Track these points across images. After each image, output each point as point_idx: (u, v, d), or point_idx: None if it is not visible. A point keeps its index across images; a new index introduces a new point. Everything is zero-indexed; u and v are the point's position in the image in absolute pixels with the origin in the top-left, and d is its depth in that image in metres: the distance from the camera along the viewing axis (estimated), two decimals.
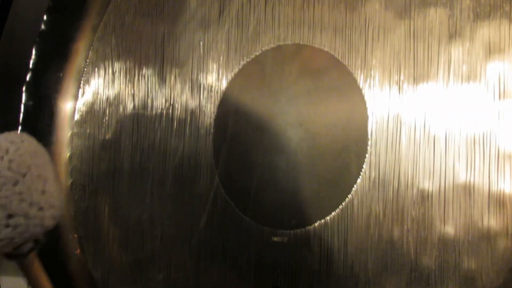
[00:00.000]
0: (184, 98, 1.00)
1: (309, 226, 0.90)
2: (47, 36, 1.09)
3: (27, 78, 1.09)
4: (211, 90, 0.98)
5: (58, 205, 0.68)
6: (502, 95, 0.80)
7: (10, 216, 0.64)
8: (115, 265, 1.03)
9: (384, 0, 0.87)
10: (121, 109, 1.05)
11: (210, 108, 0.98)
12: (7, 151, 0.65)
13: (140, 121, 1.03)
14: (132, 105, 1.04)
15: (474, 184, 0.81)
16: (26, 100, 1.09)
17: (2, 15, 1.22)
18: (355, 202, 0.87)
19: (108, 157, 1.05)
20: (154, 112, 1.02)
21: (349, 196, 0.88)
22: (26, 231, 0.65)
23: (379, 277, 0.85)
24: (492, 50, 0.82)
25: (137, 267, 1.01)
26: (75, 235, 1.07)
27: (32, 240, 0.66)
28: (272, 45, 0.95)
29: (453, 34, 0.84)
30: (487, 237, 0.80)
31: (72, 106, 1.09)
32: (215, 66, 0.98)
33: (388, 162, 0.86)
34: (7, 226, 0.63)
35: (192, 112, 0.99)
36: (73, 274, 1.06)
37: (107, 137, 1.05)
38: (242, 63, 0.97)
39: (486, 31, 0.82)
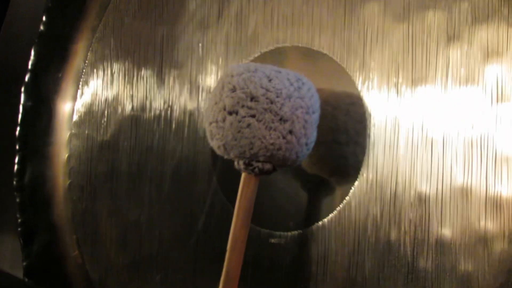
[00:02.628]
0: (182, 99, 1.00)
1: (306, 228, 0.90)
2: (46, 37, 1.10)
3: (26, 79, 1.09)
4: (210, 92, 0.98)
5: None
6: (500, 98, 0.81)
7: (291, 132, 0.77)
8: (113, 267, 1.03)
9: (383, 3, 0.87)
10: (119, 110, 1.05)
11: None
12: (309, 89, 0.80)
13: (139, 122, 1.03)
14: (130, 106, 1.04)
15: (471, 187, 0.81)
16: (25, 101, 1.09)
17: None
18: (353, 204, 0.87)
19: (106, 158, 1.05)
20: (152, 113, 1.02)
21: (347, 198, 0.88)
22: (290, 152, 0.77)
23: (376, 279, 0.85)
24: (490, 53, 0.82)
25: (135, 269, 1.01)
26: (73, 236, 1.07)
27: (274, 163, 0.79)
28: (270, 47, 0.95)
29: (451, 37, 0.84)
30: (484, 239, 0.80)
31: (70, 107, 1.10)
32: (213, 68, 0.99)
33: (385, 164, 0.86)
34: (284, 138, 0.77)
35: (191, 114, 0.99)
36: (71, 275, 1.07)
37: (105, 138, 1.06)
38: None
39: (484, 34, 0.82)
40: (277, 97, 0.76)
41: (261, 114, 0.76)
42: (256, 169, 0.79)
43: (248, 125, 0.76)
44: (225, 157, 0.81)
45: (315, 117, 0.80)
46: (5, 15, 1.27)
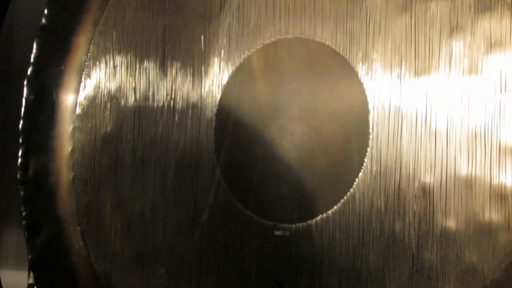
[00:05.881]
0: (185, 91, 1.00)
1: (310, 220, 0.90)
2: (48, 30, 1.09)
3: (29, 72, 1.09)
4: (212, 84, 0.98)
5: None
6: (503, 88, 0.80)
7: None
8: (117, 259, 1.03)
9: None
10: (122, 102, 1.05)
11: (211, 102, 0.98)
12: None
13: (142, 114, 1.03)
14: (133, 98, 1.04)
15: (475, 178, 0.81)
16: (28, 94, 1.09)
17: (2, 9, 1.23)
18: (357, 196, 0.87)
19: (109, 150, 1.05)
20: (155, 105, 1.02)
21: (351, 190, 0.88)
22: None
23: (381, 270, 0.85)
24: (493, 44, 0.81)
25: (139, 261, 1.02)
26: (78, 229, 1.07)
27: None
28: (273, 39, 0.95)
29: (454, 27, 0.83)
30: (489, 230, 0.80)
31: (73, 100, 1.09)
32: (216, 59, 0.98)
33: (389, 155, 0.86)
34: None
35: (194, 106, 0.99)
36: (76, 267, 1.06)
37: (108, 130, 1.05)
38: (243, 56, 0.97)
39: (487, 25, 0.81)
40: None
41: None
42: None
43: None
44: None
45: None
46: (7, 8, 1.26)
